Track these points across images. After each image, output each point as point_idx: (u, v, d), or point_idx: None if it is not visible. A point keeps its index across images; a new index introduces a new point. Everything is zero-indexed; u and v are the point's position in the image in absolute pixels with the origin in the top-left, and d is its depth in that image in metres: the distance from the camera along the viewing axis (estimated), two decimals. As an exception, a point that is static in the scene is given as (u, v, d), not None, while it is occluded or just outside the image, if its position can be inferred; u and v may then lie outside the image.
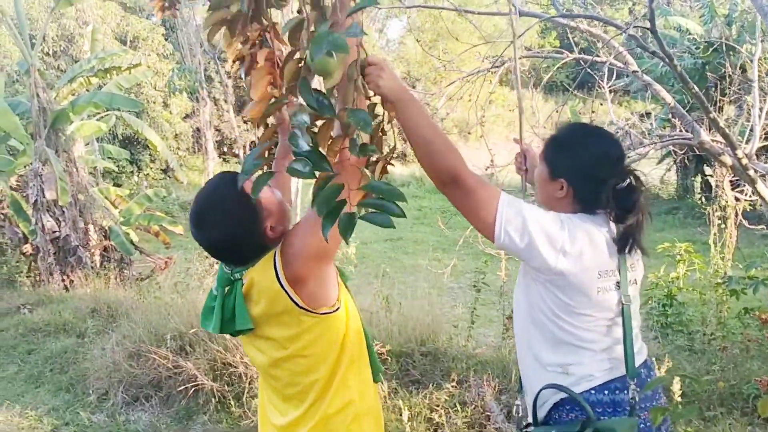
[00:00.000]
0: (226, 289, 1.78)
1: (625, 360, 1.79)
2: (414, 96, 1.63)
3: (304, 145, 1.34)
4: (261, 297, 1.72)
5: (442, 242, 11.10)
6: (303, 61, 1.41)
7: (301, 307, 1.71)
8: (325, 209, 1.34)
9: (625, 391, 1.77)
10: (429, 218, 14.10)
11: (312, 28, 1.39)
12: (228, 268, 1.80)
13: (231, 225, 1.71)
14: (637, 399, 1.75)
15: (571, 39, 5.73)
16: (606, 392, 1.78)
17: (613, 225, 1.81)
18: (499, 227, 1.70)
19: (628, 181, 1.81)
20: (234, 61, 1.54)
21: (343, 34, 1.29)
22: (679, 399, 2.94)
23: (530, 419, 1.89)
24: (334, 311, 1.79)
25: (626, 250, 1.80)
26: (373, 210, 1.38)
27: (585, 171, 1.83)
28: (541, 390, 1.83)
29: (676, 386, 2.92)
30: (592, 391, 1.78)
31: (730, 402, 3.54)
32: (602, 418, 1.75)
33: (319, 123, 1.40)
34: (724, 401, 3.53)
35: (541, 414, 1.86)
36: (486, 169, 4.86)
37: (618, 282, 1.80)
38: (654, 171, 15.72)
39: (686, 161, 14.42)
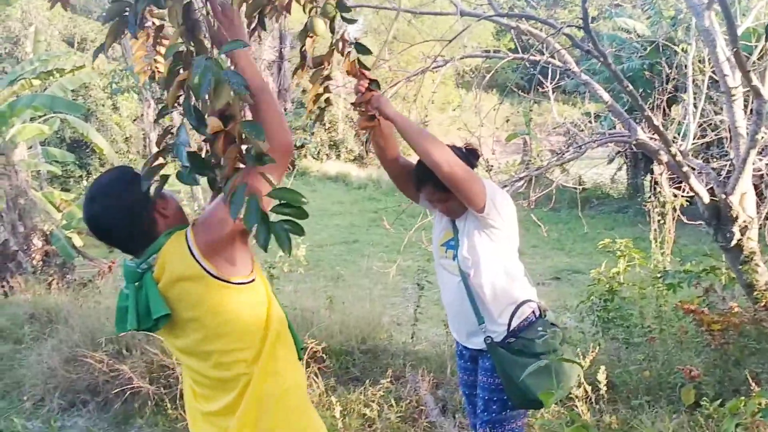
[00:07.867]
0: (137, 284, 1.73)
1: None
2: (405, 115, 2.27)
3: (185, 159, 1.54)
4: (173, 275, 1.71)
5: (397, 243, 11.05)
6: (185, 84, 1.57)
7: (214, 276, 1.71)
8: (254, 220, 1.52)
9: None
10: (386, 220, 14.02)
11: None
12: (133, 262, 1.77)
13: (124, 199, 1.76)
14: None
15: (524, 41, 5.72)
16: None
17: None
18: (489, 201, 2.29)
19: None
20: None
21: (222, 49, 1.62)
22: (605, 387, 2.99)
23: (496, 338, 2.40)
24: (249, 282, 1.78)
25: None
26: (283, 218, 1.55)
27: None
28: (519, 306, 2.40)
29: (602, 375, 2.97)
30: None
31: (656, 391, 3.59)
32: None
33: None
34: (650, 390, 3.58)
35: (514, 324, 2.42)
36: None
37: None
38: (605, 170, 16.00)
39: (635, 160, 14.70)
